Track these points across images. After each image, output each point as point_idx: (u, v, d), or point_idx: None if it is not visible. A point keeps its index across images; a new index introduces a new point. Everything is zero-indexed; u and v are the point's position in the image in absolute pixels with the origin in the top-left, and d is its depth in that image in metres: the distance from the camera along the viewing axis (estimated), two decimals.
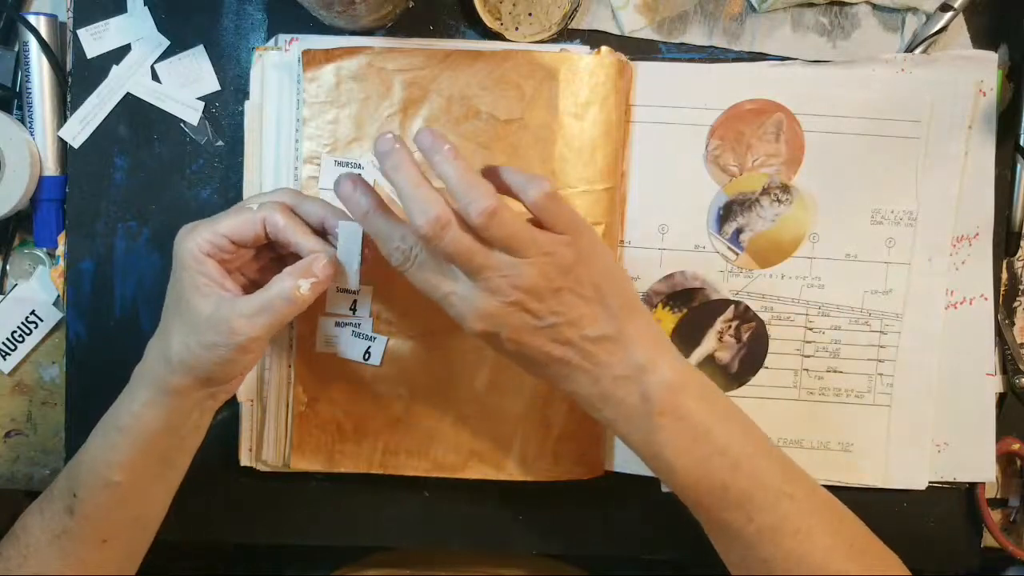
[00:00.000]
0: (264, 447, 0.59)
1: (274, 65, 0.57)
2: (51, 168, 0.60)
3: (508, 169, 0.48)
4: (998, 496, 0.63)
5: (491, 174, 0.48)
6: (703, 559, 0.61)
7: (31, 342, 0.62)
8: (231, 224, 0.49)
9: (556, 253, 0.45)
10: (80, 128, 0.59)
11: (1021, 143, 0.58)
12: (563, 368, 0.47)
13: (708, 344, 0.60)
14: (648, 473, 0.59)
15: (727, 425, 0.48)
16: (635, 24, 0.58)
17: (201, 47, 0.59)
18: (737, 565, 0.50)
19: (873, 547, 0.50)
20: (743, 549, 0.48)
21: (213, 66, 0.59)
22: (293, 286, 0.47)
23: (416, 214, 0.44)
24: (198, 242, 0.48)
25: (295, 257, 0.50)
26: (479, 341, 0.47)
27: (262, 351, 0.51)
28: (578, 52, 0.57)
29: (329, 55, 0.56)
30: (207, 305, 0.48)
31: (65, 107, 0.59)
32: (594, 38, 0.58)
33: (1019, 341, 0.61)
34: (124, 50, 0.59)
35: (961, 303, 0.60)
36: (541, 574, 0.70)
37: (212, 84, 0.59)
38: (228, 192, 0.59)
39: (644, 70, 0.58)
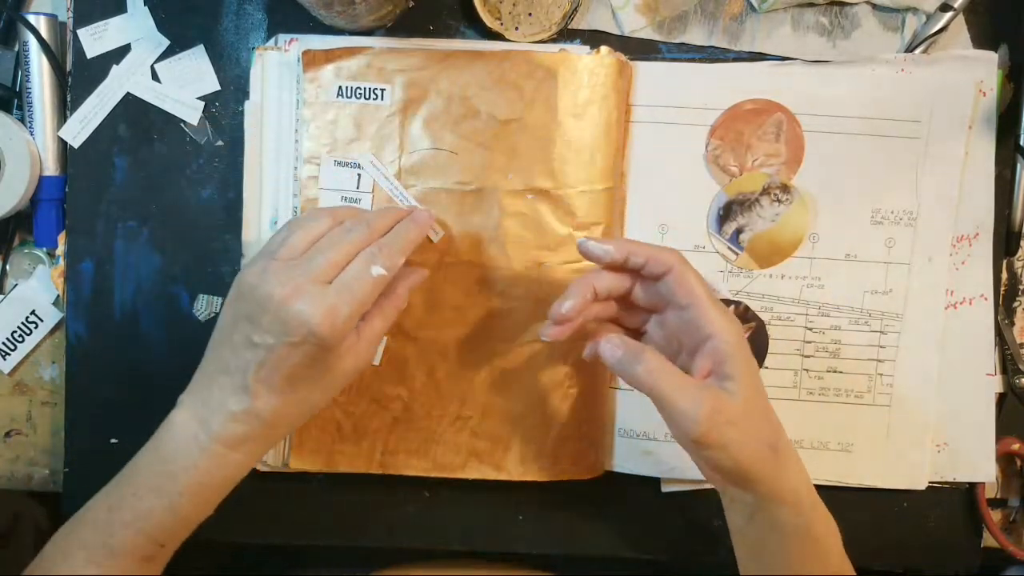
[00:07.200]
0: None
1: (274, 65, 0.57)
2: (51, 168, 0.60)
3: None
4: (998, 496, 0.63)
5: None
6: (701, 559, 0.61)
7: (31, 342, 0.62)
8: (370, 299, 0.47)
9: None
10: (80, 128, 0.59)
11: (1021, 143, 0.58)
12: None
13: None
14: (646, 473, 0.60)
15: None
16: (635, 24, 0.58)
17: (201, 47, 0.59)
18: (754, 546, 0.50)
19: None
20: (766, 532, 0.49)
21: (213, 66, 0.59)
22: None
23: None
24: (343, 322, 0.45)
25: None
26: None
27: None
28: (578, 52, 0.57)
29: (329, 55, 0.56)
30: (355, 358, 0.49)
31: (65, 107, 0.59)
32: (594, 38, 0.58)
33: (1019, 341, 0.61)
34: (124, 50, 0.59)
35: (961, 303, 0.59)
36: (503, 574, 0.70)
37: (212, 84, 0.59)
38: (228, 192, 0.59)
39: (644, 70, 0.58)
